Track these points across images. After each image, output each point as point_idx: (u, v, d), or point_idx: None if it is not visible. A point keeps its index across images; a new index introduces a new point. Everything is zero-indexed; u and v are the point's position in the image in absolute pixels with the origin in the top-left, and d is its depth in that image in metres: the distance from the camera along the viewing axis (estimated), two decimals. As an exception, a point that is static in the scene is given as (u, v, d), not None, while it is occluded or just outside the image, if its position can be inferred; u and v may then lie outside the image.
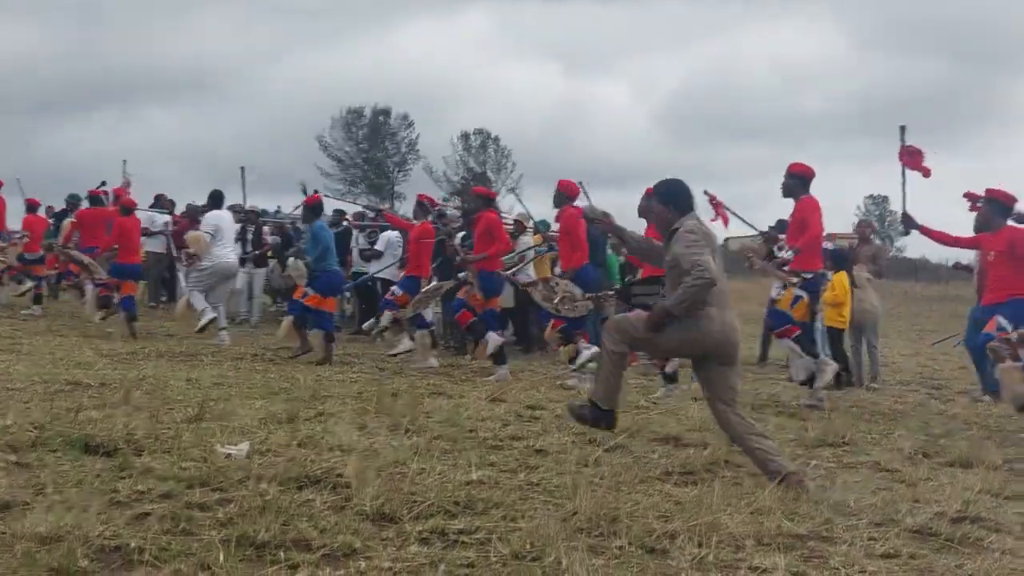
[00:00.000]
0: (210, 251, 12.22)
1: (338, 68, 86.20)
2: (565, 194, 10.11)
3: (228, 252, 12.44)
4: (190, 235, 13.97)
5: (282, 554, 3.76)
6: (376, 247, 14.28)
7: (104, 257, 13.03)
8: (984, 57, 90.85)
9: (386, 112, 64.16)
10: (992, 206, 8.40)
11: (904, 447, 6.89)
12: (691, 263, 5.23)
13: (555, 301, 9.78)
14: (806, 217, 8.82)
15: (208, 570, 3.51)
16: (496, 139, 64.20)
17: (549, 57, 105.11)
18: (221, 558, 3.60)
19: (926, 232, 9.13)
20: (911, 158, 9.22)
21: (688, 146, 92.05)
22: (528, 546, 3.96)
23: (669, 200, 5.68)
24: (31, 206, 16.79)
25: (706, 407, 8.01)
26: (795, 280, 8.80)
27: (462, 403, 7.75)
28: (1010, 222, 8.53)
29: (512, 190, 58.45)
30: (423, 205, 11.72)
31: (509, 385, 8.95)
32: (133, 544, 3.74)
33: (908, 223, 9.27)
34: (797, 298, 8.92)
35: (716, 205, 10.28)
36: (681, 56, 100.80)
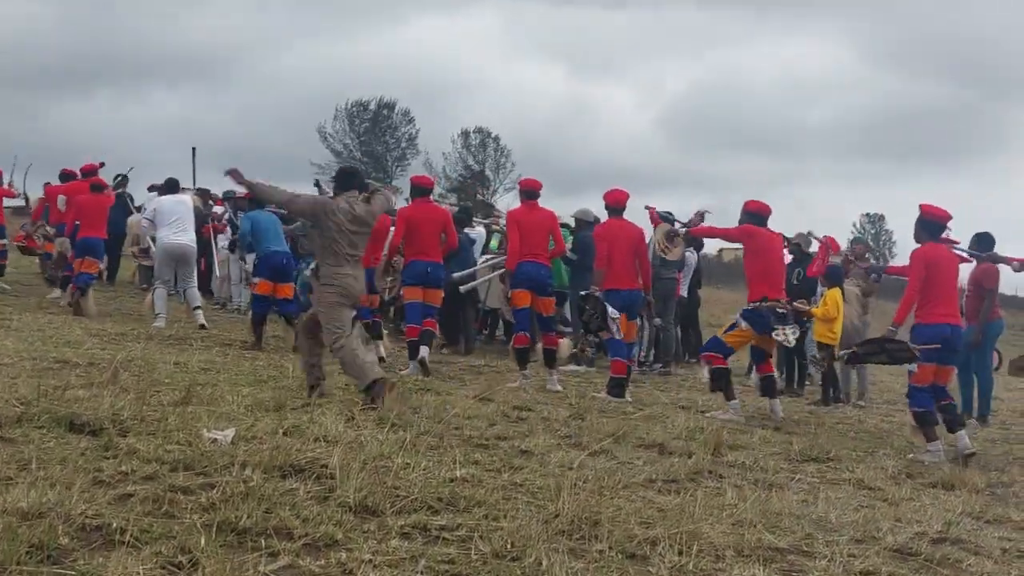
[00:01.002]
0: (152, 234, 12.47)
1: (344, 59, 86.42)
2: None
3: (171, 234, 12.22)
4: (131, 220, 13.99)
5: (263, 541, 3.76)
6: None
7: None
8: (992, 81, 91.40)
9: (390, 106, 64.19)
10: (920, 223, 8.13)
11: (888, 466, 6.92)
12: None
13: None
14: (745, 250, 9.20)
15: (188, 554, 3.50)
16: (496, 138, 64.28)
17: (554, 58, 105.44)
18: (202, 542, 3.59)
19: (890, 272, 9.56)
20: None
21: (690, 153, 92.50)
22: (509, 546, 3.96)
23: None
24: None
25: (693, 416, 8.06)
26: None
27: (449, 400, 7.75)
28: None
29: (511, 190, 58.69)
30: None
31: (497, 385, 8.94)
32: (115, 524, 3.73)
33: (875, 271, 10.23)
34: (733, 325, 9.11)
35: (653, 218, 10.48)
36: (688, 63, 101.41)
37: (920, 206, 8.18)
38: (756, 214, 9.11)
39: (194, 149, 15.29)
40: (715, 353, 9.05)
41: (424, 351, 9.90)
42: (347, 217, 7.30)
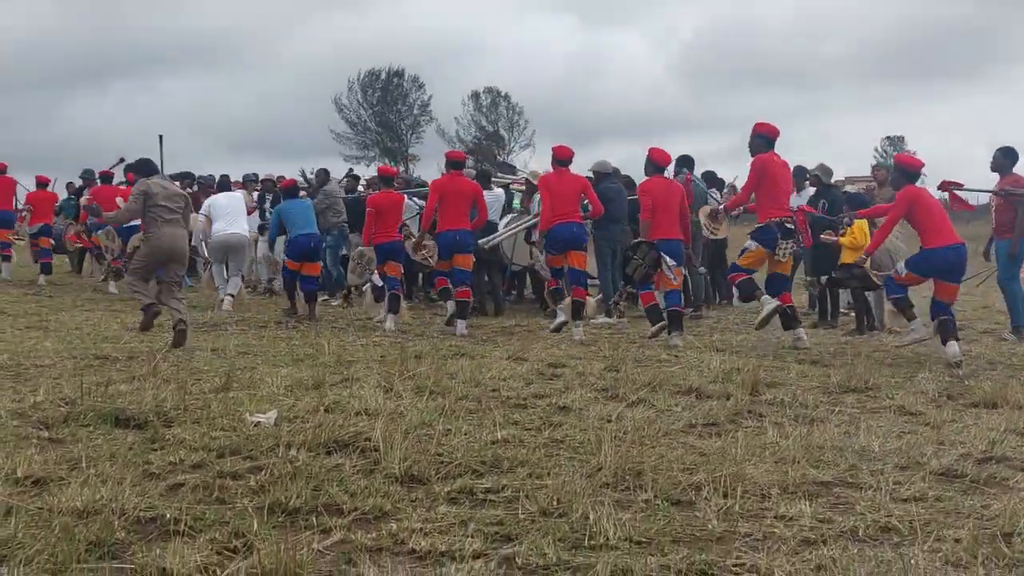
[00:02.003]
0: (204, 230, 13.65)
1: (354, 30, 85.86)
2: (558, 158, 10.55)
3: (224, 227, 13.32)
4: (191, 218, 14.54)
5: (314, 519, 3.83)
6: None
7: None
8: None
9: (399, 74, 63.90)
10: (899, 171, 9.07)
11: (928, 390, 6.89)
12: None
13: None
14: (748, 177, 9.60)
15: (242, 538, 3.57)
16: (507, 96, 63.89)
17: (563, 10, 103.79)
18: (255, 525, 3.66)
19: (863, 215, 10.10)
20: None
21: (707, 94, 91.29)
22: (555, 503, 4.01)
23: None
24: (40, 183, 17.18)
25: (729, 358, 8.06)
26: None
27: (484, 363, 7.80)
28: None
29: (526, 147, 58.38)
30: (385, 178, 12.34)
31: (530, 344, 8.98)
32: (168, 515, 3.81)
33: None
34: (744, 249, 9.59)
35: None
36: (699, 4, 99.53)
37: (894, 157, 9.41)
38: (765, 135, 9.54)
39: (161, 137, 16.20)
40: (736, 273, 9.74)
41: (462, 325, 10.49)
42: (163, 194, 9.03)
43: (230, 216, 13.52)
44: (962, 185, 9.96)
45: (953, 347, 8.30)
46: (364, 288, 12.22)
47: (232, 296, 12.87)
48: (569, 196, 10.29)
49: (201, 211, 14.03)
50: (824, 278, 10.70)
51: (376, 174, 13.83)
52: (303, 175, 17.62)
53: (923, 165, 9.20)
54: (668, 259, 9.67)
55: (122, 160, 16.52)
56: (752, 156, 9.52)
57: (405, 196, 13.70)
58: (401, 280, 11.79)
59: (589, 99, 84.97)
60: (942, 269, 8.59)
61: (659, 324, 9.77)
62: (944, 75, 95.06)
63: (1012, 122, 79.42)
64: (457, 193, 10.80)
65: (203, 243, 14.56)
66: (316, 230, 12.56)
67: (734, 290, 9.70)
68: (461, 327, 10.41)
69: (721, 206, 10.44)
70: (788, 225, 9.33)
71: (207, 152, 73.62)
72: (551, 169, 10.74)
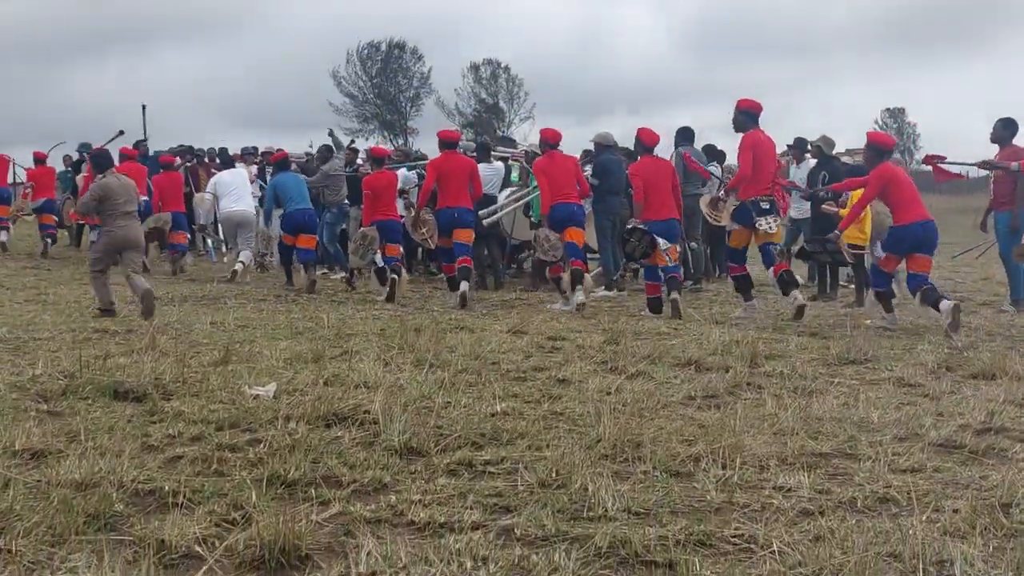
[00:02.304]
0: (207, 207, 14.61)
1: (354, 1, 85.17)
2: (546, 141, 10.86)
3: (231, 204, 13.81)
4: (196, 197, 15.02)
5: (313, 491, 3.82)
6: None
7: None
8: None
9: (400, 46, 63.50)
10: (871, 149, 9.22)
11: (927, 361, 6.89)
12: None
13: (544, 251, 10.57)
14: (739, 156, 9.60)
15: (241, 509, 3.57)
16: (507, 68, 63.55)
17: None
18: (253, 497, 3.66)
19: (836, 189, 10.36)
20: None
21: (709, 64, 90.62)
22: (554, 474, 4.01)
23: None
24: (37, 159, 17.22)
25: (728, 330, 8.05)
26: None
27: (484, 337, 7.79)
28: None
29: (526, 119, 58.21)
30: (376, 159, 12.39)
31: (530, 317, 8.98)
32: (167, 487, 3.81)
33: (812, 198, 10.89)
34: (729, 231, 9.83)
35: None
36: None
37: (867, 135, 9.46)
38: (749, 111, 9.63)
39: (144, 107, 16.06)
40: (732, 263, 9.94)
41: (464, 286, 10.63)
42: (120, 189, 9.32)
43: (235, 193, 13.97)
44: (945, 158, 10.16)
45: (946, 304, 8.36)
46: (369, 272, 12.23)
47: (244, 264, 13.31)
48: (565, 176, 10.56)
49: (207, 189, 14.62)
50: (795, 248, 10.91)
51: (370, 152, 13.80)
52: (311, 148, 17.71)
53: (895, 143, 9.45)
54: (662, 241, 9.85)
55: (121, 132, 16.44)
56: (738, 132, 9.64)
57: (405, 170, 13.77)
58: (401, 256, 12.00)
59: (591, 71, 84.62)
60: (914, 244, 8.78)
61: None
62: (946, 45, 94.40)
63: (1014, 93, 79.05)
64: (454, 171, 11.03)
65: (213, 222, 15.21)
66: (310, 205, 12.82)
67: (730, 280, 9.93)
68: (464, 288, 10.60)
69: (721, 192, 10.45)
70: (764, 204, 9.41)
71: (206, 125, 73.27)
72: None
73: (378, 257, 11.75)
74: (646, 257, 10.00)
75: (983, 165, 10.52)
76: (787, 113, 77.44)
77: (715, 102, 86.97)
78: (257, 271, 14.47)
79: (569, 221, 10.44)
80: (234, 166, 15.19)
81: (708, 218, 10.80)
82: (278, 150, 16.63)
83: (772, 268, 9.59)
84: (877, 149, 9.18)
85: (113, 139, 16.51)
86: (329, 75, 62.19)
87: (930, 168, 10.70)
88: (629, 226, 10.26)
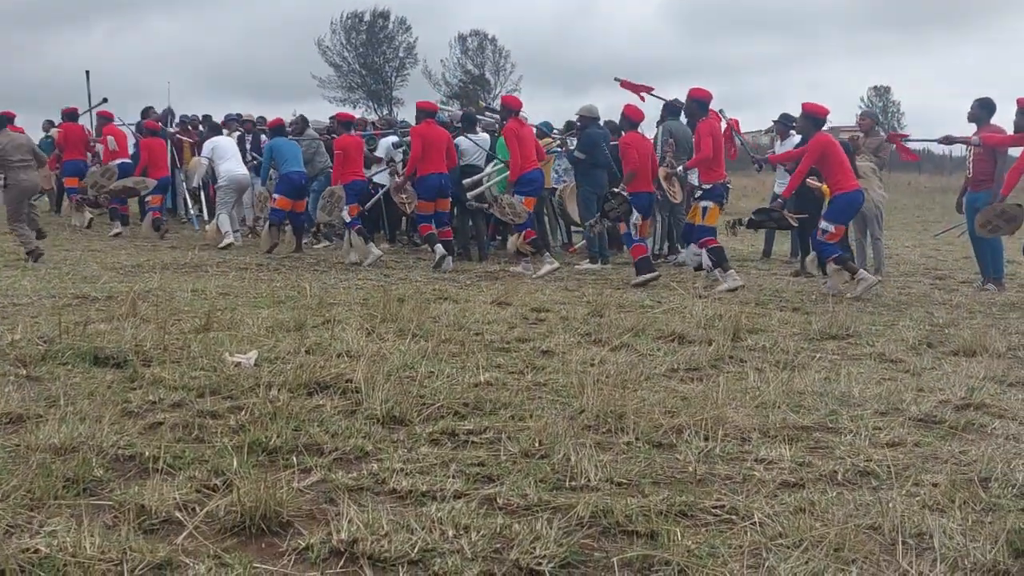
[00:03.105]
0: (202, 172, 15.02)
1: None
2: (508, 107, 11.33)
3: (235, 167, 13.92)
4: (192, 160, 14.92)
5: (294, 459, 3.81)
6: (376, 153, 14.21)
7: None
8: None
9: (384, 15, 62.97)
10: (807, 119, 9.63)
11: (908, 337, 6.92)
12: None
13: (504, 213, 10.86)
14: (698, 140, 9.96)
15: (222, 476, 3.56)
16: (493, 40, 63.18)
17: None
18: (234, 464, 3.64)
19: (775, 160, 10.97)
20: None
21: (698, 40, 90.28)
22: (537, 444, 4.01)
23: None
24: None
25: (711, 304, 8.06)
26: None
27: (468, 307, 7.78)
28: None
29: (512, 91, 58.00)
30: (344, 122, 12.98)
31: (514, 288, 8.97)
32: (147, 453, 3.78)
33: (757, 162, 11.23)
34: (704, 208, 10.06)
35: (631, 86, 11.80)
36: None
37: (802, 105, 9.74)
38: (700, 100, 10.12)
39: (88, 72, 16.15)
40: (706, 237, 10.06)
41: (448, 262, 11.19)
42: (12, 146, 10.66)
43: (236, 157, 14.14)
44: (908, 136, 10.31)
45: (865, 275, 9.15)
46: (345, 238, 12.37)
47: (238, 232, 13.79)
48: (531, 142, 11.09)
49: (203, 153, 14.55)
50: (744, 220, 11.28)
51: (337, 119, 13.82)
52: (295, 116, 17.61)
53: (828, 112, 9.71)
54: (636, 216, 10.25)
55: (105, 100, 16.29)
56: (690, 119, 10.31)
57: (392, 139, 13.81)
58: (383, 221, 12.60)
59: (580, 44, 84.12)
60: (852, 212, 9.31)
61: (647, 275, 10.05)
62: (936, 25, 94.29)
63: (1001, 75, 79.21)
64: (436, 139, 11.39)
65: (204, 184, 15.42)
66: (304, 168, 13.10)
67: (705, 254, 10.08)
68: (448, 263, 11.05)
69: (679, 168, 10.71)
70: (729, 185, 10.42)
71: (188, 91, 72.56)
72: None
73: (345, 213, 11.81)
74: (619, 220, 10.30)
75: (945, 140, 10.78)
76: (775, 90, 77.50)
77: (704, 77, 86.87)
78: (249, 236, 14.45)
79: (535, 190, 11.08)
80: (221, 132, 15.20)
81: (667, 193, 10.99)
82: (259, 118, 16.58)
83: (704, 243, 10.07)
84: (813, 118, 9.52)
85: (96, 105, 16.36)
86: (314, 44, 61.76)
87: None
88: (613, 190, 10.53)
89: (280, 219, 12.92)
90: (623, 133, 10.79)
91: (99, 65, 68.57)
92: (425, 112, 11.64)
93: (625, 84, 11.74)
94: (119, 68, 71.14)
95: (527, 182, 10.82)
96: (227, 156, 13.91)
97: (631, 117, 10.66)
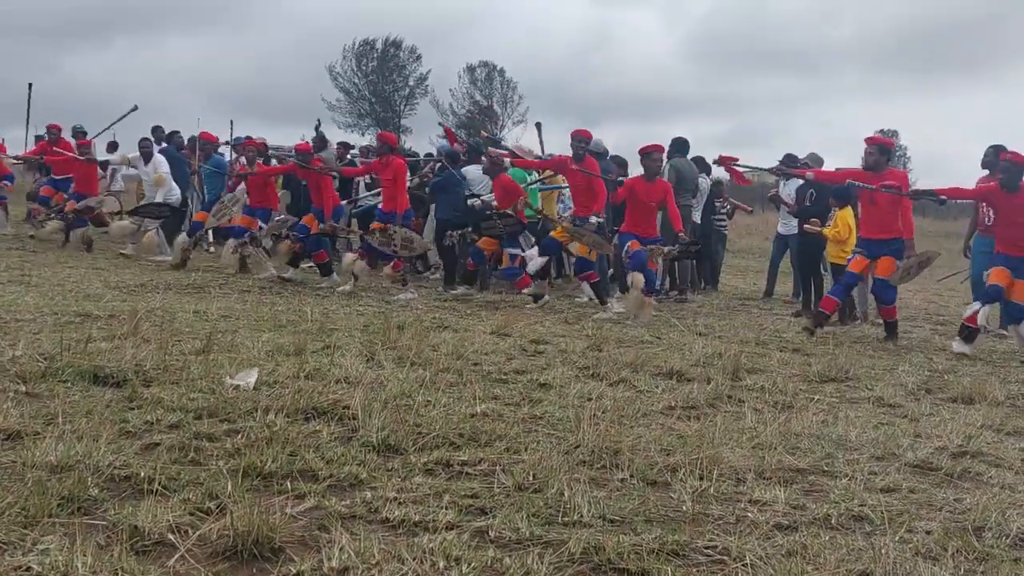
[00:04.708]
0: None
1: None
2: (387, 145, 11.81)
3: None
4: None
5: (289, 484, 3.81)
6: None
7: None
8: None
9: (397, 44, 63.42)
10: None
11: (907, 382, 6.93)
12: None
13: (394, 246, 11.18)
14: (591, 184, 10.69)
15: (216, 499, 3.56)
16: (502, 71, 63.58)
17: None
18: (229, 487, 3.65)
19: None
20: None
21: (713, 76, 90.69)
22: (531, 478, 4.01)
23: None
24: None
25: (711, 342, 8.07)
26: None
27: (467, 337, 7.79)
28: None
29: (519, 123, 58.25)
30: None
31: (514, 319, 8.99)
32: (143, 473, 3.78)
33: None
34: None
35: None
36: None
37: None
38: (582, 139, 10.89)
39: (30, 85, 16.28)
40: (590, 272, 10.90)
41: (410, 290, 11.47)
42: None
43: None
44: (738, 159, 10.37)
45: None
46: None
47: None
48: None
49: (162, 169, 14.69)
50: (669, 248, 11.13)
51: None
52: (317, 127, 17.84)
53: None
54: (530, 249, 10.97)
55: (135, 108, 16.23)
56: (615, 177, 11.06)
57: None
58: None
59: (593, 77, 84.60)
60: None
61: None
62: (949, 71, 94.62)
63: (1013, 121, 79.43)
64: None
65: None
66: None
67: (587, 289, 10.87)
68: (409, 293, 11.17)
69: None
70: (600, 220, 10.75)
71: (199, 113, 73.06)
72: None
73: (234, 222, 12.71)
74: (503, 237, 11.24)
75: (775, 171, 10.98)
76: (791, 127, 77.75)
77: (715, 113, 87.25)
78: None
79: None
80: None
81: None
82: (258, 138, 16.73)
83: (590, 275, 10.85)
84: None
85: (125, 115, 16.38)
86: (325, 69, 62.25)
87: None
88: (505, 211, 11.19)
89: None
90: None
91: (113, 80, 69.13)
92: (389, 146, 11.96)
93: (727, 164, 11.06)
94: (135, 85, 71.66)
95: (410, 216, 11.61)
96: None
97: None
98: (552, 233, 10.95)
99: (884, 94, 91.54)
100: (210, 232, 15.24)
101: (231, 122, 12.89)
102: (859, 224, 10.07)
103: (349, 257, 11.76)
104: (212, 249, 15.05)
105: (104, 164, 15.81)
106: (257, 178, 12.65)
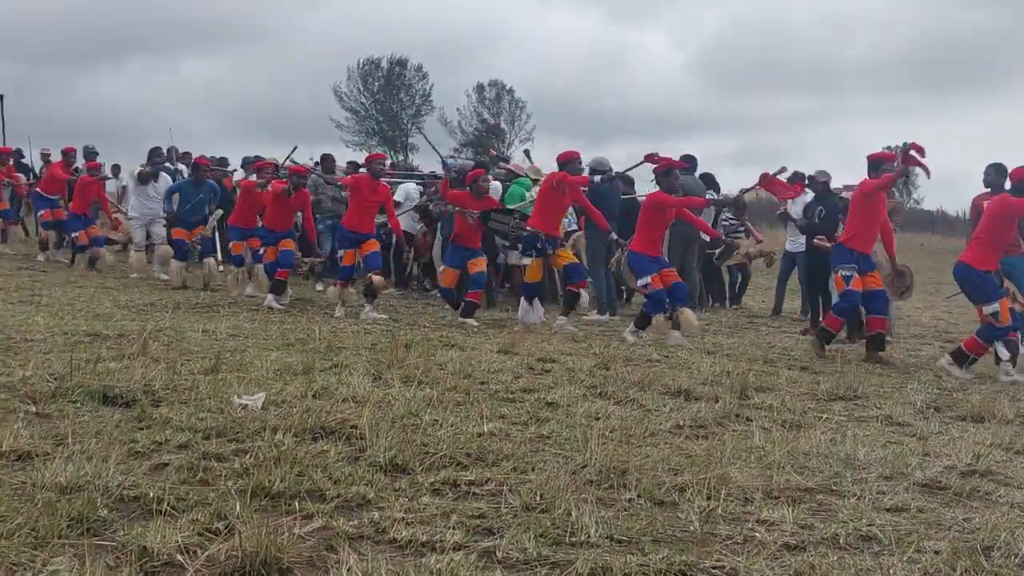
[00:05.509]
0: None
1: (361, 16, 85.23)
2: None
3: None
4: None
5: (297, 504, 3.82)
6: (395, 198, 14.30)
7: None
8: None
9: (402, 63, 63.67)
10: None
11: (916, 401, 6.91)
12: None
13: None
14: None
15: (224, 520, 3.57)
16: (510, 90, 63.74)
17: (581, 6, 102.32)
18: (237, 508, 3.66)
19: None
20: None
21: (726, 94, 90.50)
22: (538, 498, 4.01)
23: None
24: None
25: (719, 361, 8.06)
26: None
27: (474, 355, 7.80)
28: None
29: (525, 141, 58.40)
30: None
31: (521, 338, 9.00)
32: (152, 494, 3.80)
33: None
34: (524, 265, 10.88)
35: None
36: (724, 1, 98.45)
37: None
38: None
39: (1, 97, 16.50)
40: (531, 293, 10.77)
41: (368, 308, 11.04)
42: None
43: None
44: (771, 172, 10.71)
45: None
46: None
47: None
48: (371, 200, 11.32)
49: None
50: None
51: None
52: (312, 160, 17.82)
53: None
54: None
55: (169, 129, 16.59)
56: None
57: (412, 185, 14.13)
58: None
59: (605, 96, 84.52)
60: None
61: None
62: (963, 89, 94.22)
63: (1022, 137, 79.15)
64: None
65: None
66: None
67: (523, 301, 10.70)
68: (368, 310, 10.85)
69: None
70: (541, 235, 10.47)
71: (211, 132, 73.35)
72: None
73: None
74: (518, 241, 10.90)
75: (741, 192, 11.74)
76: (803, 146, 77.83)
77: (726, 132, 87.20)
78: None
79: (352, 243, 11.22)
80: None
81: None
82: (222, 157, 17.02)
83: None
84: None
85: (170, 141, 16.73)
86: (331, 89, 62.49)
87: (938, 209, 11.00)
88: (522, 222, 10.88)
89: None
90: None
91: (124, 102, 69.59)
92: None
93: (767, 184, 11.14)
94: (143, 106, 72.08)
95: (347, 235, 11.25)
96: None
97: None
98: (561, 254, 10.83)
99: (896, 112, 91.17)
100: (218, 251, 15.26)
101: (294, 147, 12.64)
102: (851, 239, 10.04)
103: (331, 291, 11.61)
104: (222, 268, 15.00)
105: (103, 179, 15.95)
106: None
